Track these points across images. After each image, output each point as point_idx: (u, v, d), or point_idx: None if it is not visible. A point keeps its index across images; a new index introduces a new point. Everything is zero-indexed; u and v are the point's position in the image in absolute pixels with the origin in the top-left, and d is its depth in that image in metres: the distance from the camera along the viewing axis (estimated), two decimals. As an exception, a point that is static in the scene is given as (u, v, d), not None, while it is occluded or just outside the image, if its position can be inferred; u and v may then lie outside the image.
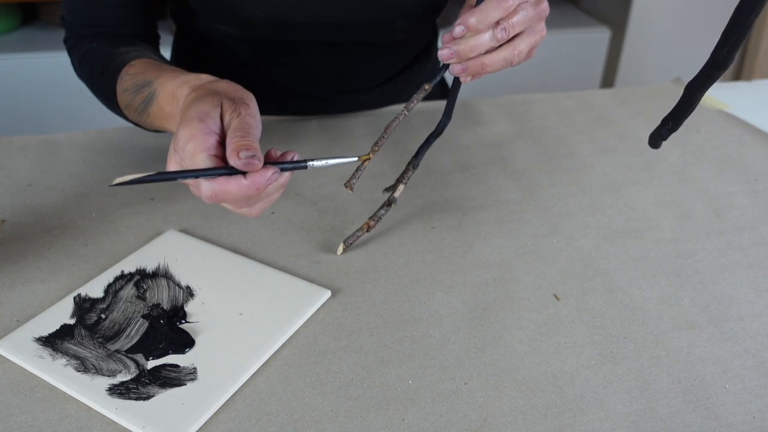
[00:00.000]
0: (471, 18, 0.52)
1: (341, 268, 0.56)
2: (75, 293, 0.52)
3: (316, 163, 0.47)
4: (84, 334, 0.48)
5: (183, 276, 0.54)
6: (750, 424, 0.43)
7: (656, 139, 0.47)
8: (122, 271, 0.54)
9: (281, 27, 0.72)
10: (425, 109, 0.83)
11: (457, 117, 0.82)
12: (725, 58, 0.39)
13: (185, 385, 0.44)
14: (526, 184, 0.69)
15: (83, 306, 0.51)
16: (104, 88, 0.66)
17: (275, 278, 0.54)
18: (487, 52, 0.54)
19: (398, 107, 0.85)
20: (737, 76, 2.07)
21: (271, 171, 0.45)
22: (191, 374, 0.45)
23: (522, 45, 0.55)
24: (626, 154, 0.75)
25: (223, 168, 0.44)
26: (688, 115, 0.44)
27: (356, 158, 0.50)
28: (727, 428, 0.43)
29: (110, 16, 0.68)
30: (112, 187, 0.65)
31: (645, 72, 1.96)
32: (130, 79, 0.62)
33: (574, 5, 2.10)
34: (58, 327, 0.48)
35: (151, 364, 0.46)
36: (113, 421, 0.42)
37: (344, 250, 0.58)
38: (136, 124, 0.67)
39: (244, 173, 0.44)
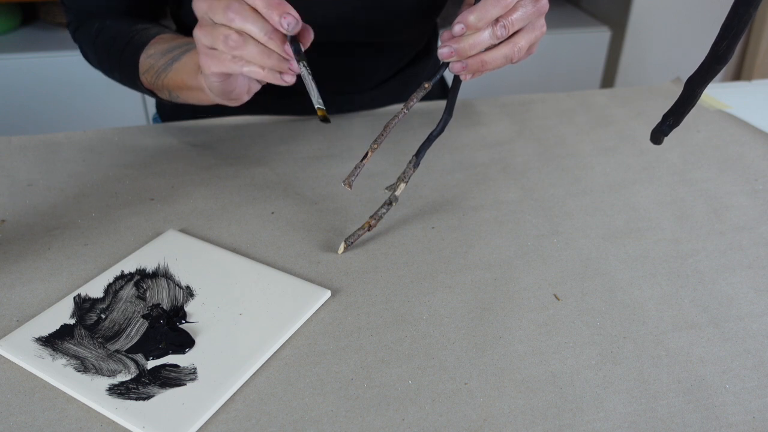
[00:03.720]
0: (470, 16, 0.52)
1: (341, 268, 0.56)
2: (75, 293, 0.52)
3: (303, 71, 0.53)
4: (84, 334, 0.48)
5: (183, 276, 0.54)
6: (750, 424, 0.43)
7: (658, 134, 0.47)
8: (122, 271, 0.54)
9: None
10: (425, 109, 0.83)
11: (458, 117, 0.82)
12: (725, 52, 0.39)
13: (185, 385, 0.44)
14: (526, 184, 0.69)
15: (83, 306, 0.51)
16: (124, 62, 0.68)
17: (275, 278, 0.54)
18: (487, 49, 0.54)
19: (398, 107, 0.85)
20: (737, 76, 2.07)
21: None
22: (191, 374, 0.45)
23: (522, 42, 0.55)
24: (626, 154, 0.75)
25: None
26: (690, 110, 0.44)
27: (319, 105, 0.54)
28: (727, 428, 0.43)
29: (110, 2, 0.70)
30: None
31: (645, 72, 1.96)
32: (159, 46, 0.65)
33: (574, 5, 2.10)
34: (58, 327, 0.48)
35: (151, 364, 0.46)
36: (113, 421, 0.42)
37: (345, 249, 0.58)
38: (149, 91, 0.68)
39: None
